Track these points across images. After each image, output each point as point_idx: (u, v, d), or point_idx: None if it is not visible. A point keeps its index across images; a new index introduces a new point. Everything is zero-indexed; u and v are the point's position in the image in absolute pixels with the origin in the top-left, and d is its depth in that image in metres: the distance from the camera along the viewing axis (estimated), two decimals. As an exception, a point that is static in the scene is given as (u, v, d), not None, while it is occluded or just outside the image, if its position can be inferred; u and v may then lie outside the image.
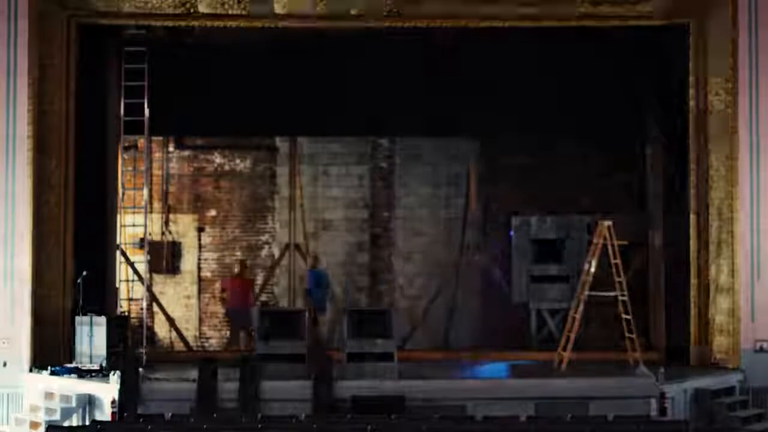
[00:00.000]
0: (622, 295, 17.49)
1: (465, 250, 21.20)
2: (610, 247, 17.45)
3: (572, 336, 17.52)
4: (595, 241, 17.79)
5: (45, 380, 16.71)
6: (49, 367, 16.83)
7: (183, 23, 18.14)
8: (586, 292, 17.61)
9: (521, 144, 21.01)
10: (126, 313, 18.95)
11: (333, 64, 19.24)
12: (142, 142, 19.99)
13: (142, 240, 19.73)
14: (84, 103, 18.01)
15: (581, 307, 17.58)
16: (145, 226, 19.29)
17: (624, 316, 17.45)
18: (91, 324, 17.07)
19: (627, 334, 17.41)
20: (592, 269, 17.63)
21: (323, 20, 17.90)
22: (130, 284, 19.47)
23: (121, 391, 15.60)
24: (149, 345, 19.18)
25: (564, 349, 17.42)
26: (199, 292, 21.64)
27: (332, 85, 19.25)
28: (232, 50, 19.21)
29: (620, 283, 17.46)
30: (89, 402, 16.17)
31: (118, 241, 19.28)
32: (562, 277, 20.76)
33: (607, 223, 17.59)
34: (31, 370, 17.02)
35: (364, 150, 21.81)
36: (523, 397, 15.75)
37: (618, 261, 17.44)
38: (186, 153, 21.81)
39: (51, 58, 17.53)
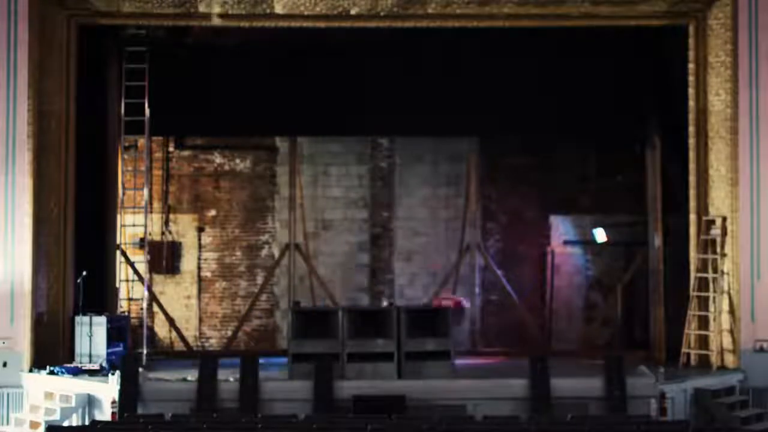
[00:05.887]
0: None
1: (465, 250, 21.18)
2: None
3: (692, 334, 17.61)
4: (704, 237, 17.74)
5: (45, 380, 16.72)
6: (48, 367, 16.85)
7: (183, 23, 18.16)
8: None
9: (521, 144, 20.98)
10: (126, 313, 18.98)
11: (333, 64, 19.24)
12: (142, 142, 19.97)
13: (142, 240, 19.74)
14: (84, 103, 18.02)
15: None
16: (145, 226, 19.32)
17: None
18: (91, 324, 17.09)
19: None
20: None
21: (323, 20, 17.90)
22: (130, 284, 19.50)
23: (121, 391, 15.61)
24: (149, 345, 19.18)
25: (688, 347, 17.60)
26: (199, 292, 21.59)
27: (332, 85, 19.25)
28: (231, 50, 19.23)
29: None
30: (89, 402, 16.19)
31: (118, 241, 19.30)
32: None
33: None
34: (31, 370, 17.01)
35: (364, 150, 21.76)
36: (522, 397, 15.75)
37: None
38: (186, 153, 21.76)
39: (51, 58, 17.54)
